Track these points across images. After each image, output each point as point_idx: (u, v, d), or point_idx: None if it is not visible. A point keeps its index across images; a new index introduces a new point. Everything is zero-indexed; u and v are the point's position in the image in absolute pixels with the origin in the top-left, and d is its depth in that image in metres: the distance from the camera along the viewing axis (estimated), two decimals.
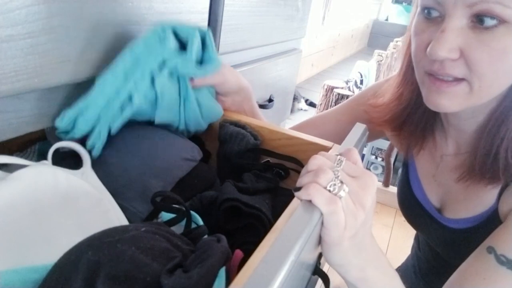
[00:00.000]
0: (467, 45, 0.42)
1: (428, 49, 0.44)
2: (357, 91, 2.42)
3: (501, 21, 0.40)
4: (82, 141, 0.46)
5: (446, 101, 0.46)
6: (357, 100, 0.74)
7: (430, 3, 0.45)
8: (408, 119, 0.62)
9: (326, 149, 0.55)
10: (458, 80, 0.45)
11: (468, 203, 0.56)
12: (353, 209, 0.33)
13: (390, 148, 1.75)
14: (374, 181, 0.36)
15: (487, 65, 0.42)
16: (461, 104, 0.47)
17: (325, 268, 0.45)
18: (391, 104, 0.63)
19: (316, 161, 0.35)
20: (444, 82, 0.46)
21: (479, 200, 0.54)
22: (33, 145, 0.53)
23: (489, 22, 0.40)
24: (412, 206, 0.67)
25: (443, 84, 0.46)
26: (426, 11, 0.46)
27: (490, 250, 0.47)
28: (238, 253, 0.35)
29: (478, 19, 0.41)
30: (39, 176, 0.38)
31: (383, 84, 0.69)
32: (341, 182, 0.34)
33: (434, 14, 0.46)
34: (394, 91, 0.62)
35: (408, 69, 0.58)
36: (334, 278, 0.42)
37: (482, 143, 0.51)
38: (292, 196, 0.40)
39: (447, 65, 0.44)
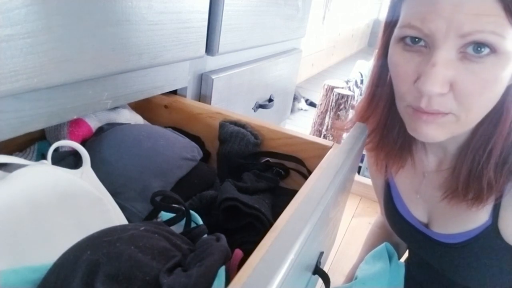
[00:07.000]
0: (458, 77, 0.40)
1: (418, 85, 0.42)
2: (357, 91, 2.41)
3: (492, 50, 0.38)
4: (82, 140, 0.46)
5: (434, 131, 0.44)
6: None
7: (414, 33, 0.41)
8: (383, 141, 0.59)
9: (326, 148, 0.55)
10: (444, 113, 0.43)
11: (457, 219, 0.55)
12: None
13: None
14: None
15: (477, 96, 0.40)
16: (447, 133, 0.45)
17: (326, 267, 0.44)
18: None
19: None
20: (431, 114, 0.43)
21: (469, 217, 0.53)
22: (33, 144, 0.53)
23: (480, 52, 0.38)
24: (399, 223, 0.65)
25: (430, 116, 0.44)
26: (408, 39, 0.43)
27: None
28: (238, 252, 0.35)
29: (470, 49, 0.39)
30: (39, 175, 0.38)
31: None
32: None
33: (419, 43, 0.42)
34: (362, 114, 0.59)
35: (376, 90, 0.56)
36: (334, 278, 0.42)
37: (465, 162, 0.49)
38: (292, 196, 0.40)
39: (435, 101, 0.42)
